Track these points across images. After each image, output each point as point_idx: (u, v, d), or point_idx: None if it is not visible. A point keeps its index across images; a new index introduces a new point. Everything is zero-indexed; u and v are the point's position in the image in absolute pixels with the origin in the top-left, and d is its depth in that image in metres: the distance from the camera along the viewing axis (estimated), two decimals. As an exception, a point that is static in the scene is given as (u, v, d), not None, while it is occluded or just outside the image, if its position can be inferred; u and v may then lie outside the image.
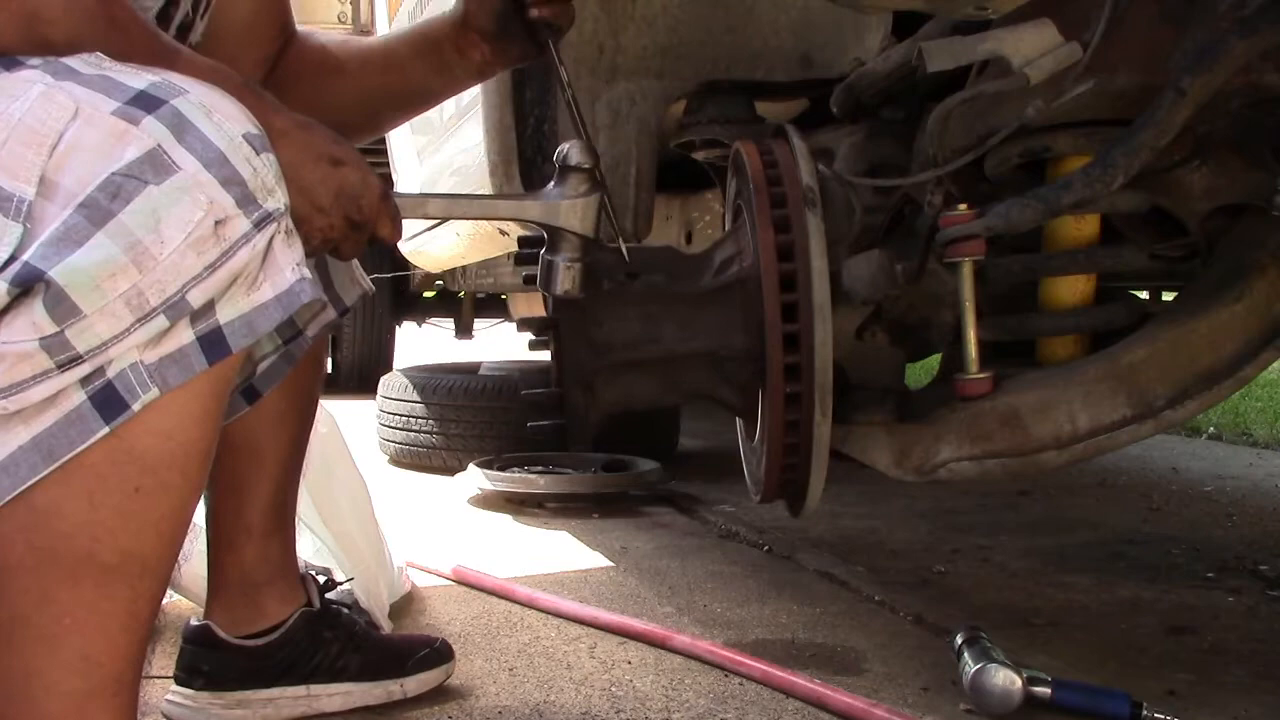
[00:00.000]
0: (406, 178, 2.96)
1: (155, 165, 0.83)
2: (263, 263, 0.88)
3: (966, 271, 1.32)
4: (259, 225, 0.87)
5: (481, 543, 2.40)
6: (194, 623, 1.40)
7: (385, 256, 5.25)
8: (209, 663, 1.37)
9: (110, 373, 0.84)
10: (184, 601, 1.76)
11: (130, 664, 0.91)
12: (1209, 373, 1.30)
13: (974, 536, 2.47)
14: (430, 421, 3.33)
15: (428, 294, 5.93)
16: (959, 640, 1.50)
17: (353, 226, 1.03)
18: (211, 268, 0.85)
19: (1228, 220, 1.36)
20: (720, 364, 1.43)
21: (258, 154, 0.88)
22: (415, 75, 1.37)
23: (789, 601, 1.94)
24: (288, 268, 0.89)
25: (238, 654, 1.38)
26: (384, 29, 3.13)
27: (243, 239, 0.86)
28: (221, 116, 0.87)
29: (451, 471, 3.11)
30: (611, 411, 1.45)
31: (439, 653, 1.48)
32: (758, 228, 1.37)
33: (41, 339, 0.82)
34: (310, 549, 1.68)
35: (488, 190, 1.87)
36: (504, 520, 2.67)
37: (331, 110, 1.33)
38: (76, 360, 0.83)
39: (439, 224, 2.48)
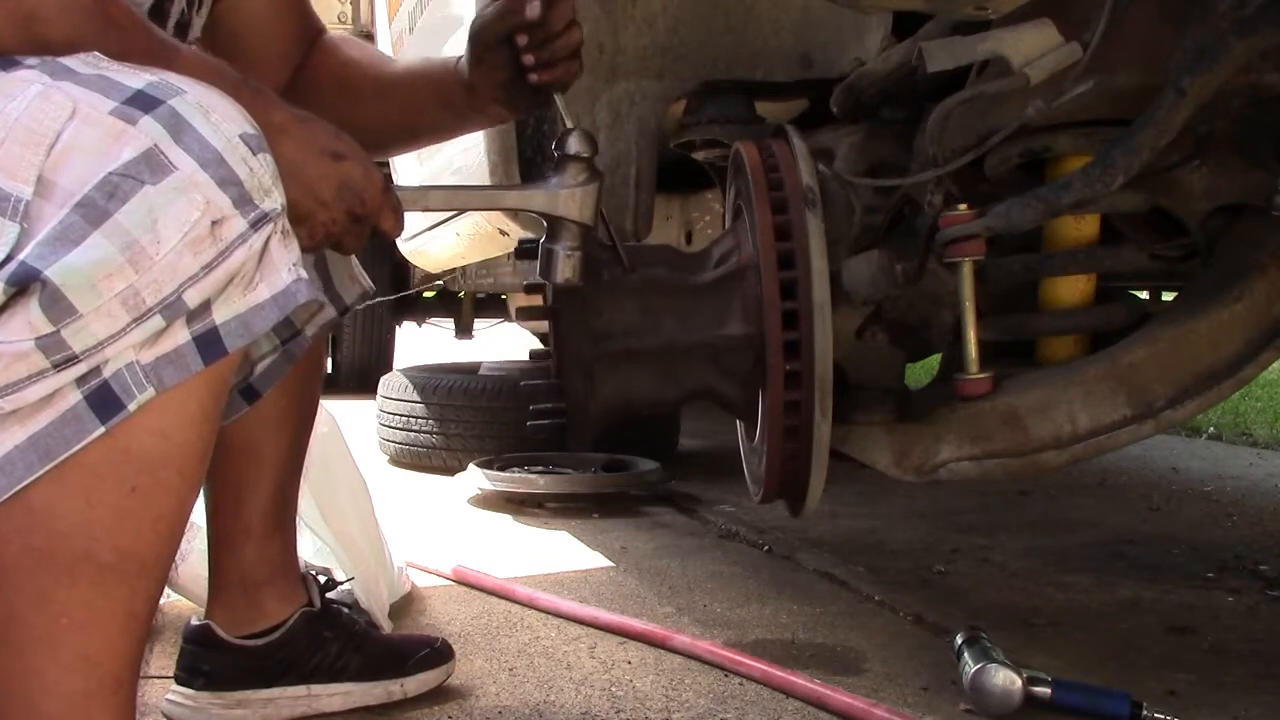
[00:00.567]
0: (407, 178, 2.96)
1: (152, 165, 0.83)
2: (259, 263, 0.88)
3: (966, 271, 1.32)
4: (255, 226, 0.87)
5: (481, 543, 2.40)
6: (194, 623, 1.40)
7: (386, 259, 5.26)
8: (209, 663, 1.37)
9: (106, 372, 0.84)
10: (184, 601, 1.76)
11: (128, 663, 0.91)
12: (1209, 373, 1.30)
13: (974, 536, 2.47)
14: (430, 421, 3.33)
15: (427, 294, 5.93)
16: (959, 640, 1.50)
17: (355, 220, 1.03)
18: (208, 268, 0.85)
19: (1228, 220, 1.36)
20: (719, 356, 1.43)
21: (254, 154, 0.88)
22: (430, 117, 1.38)
23: (789, 601, 1.94)
24: (284, 268, 0.89)
25: (238, 654, 1.38)
26: (384, 29, 3.13)
27: (239, 239, 0.86)
28: (219, 116, 0.87)
29: (451, 471, 3.11)
30: (611, 407, 1.45)
31: (439, 653, 1.48)
32: (758, 228, 1.37)
33: (37, 339, 0.81)
34: (310, 549, 1.67)
35: (488, 190, 1.87)
36: (504, 520, 2.67)
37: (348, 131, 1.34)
38: (72, 360, 0.83)
39: (439, 224, 2.48)
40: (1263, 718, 1.44)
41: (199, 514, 1.43)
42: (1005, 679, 1.39)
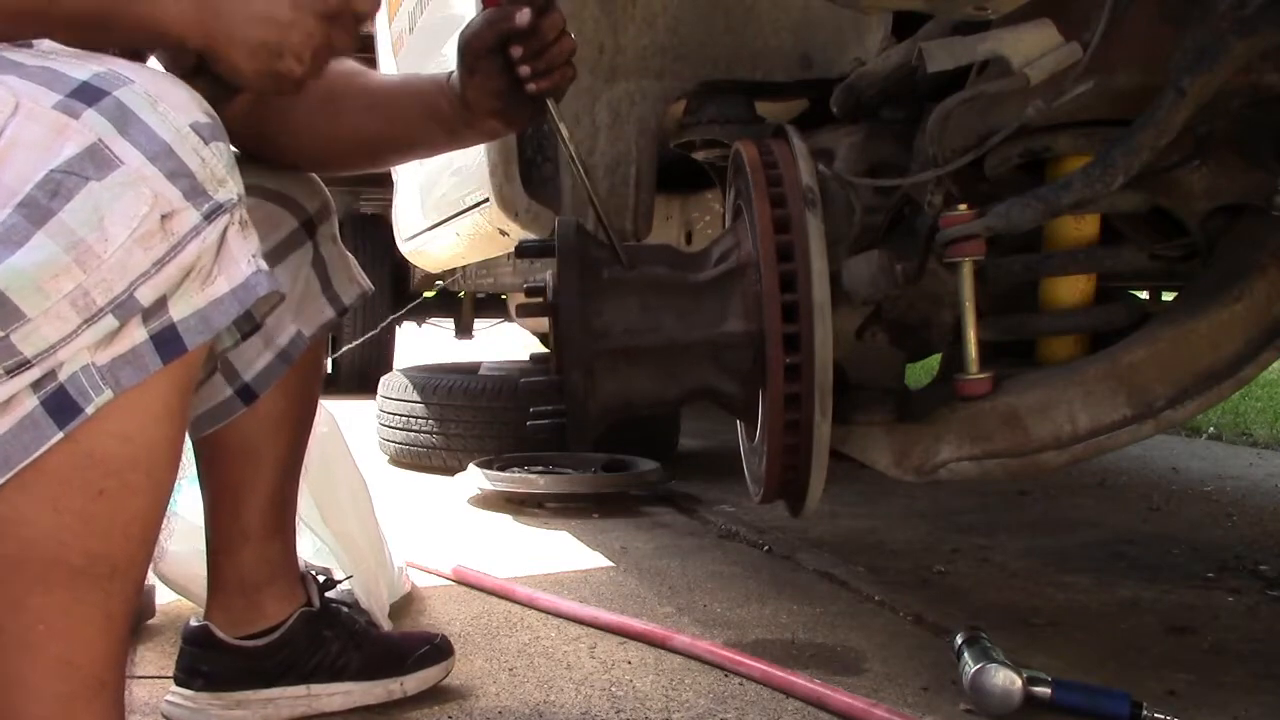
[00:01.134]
0: (406, 178, 2.96)
1: (96, 160, 0.81)
2: (216, 256, 0.86)
3: (966, 271, 1.32)
4: (209, 217, 0.84)
5: (481, 543, 2.40)
6: (193, 623, 1.40)
7: (386, 259, 5.26)
8: (208, 663, 1.37)
9: (62, 376, 0.82)
10: (184, 602, 1.76)
11: (110, 664, 0.90)
12: (1209, 373, 1.30)
13: (974, 536, 2.47)
14: (430, 421, 3.33)
15: (427, 294, 5.93)
16: (959, 640, 1.50)
17: (329, 20, 1.00)
18: (160, 263, 0.82)
19: (1228, 220, 1.36)
20: (719, 353, 1.43)
21: (207, 144, 0.85)
22: (420, 130, 1.36)
23: (789, 601, 1.94)
24: (243, 260, 0.87)
25: (237, 654, 1.38)
26: (383, 29, 3.13)
27: (192, 232, 0.84)
28: (168, 106, 0.84)
29: (451, 471, 3.11)
30: (611, 406, 1.45)
31: (438, 649, 1.48)
32: (758, 228, 1.37)
33: None
34: (310, 549, 1.67)
35: (488, 191, 1.87)
36: (504, 520, 2.67)
37: (329, 143, 1.34)
38: (25, 365, 0.81)
39: (439, 224, 2.48)
40: (1263, 718, 1.44)
41: (196, 513, 1.43)
42: (1005, 679, 1.39)
